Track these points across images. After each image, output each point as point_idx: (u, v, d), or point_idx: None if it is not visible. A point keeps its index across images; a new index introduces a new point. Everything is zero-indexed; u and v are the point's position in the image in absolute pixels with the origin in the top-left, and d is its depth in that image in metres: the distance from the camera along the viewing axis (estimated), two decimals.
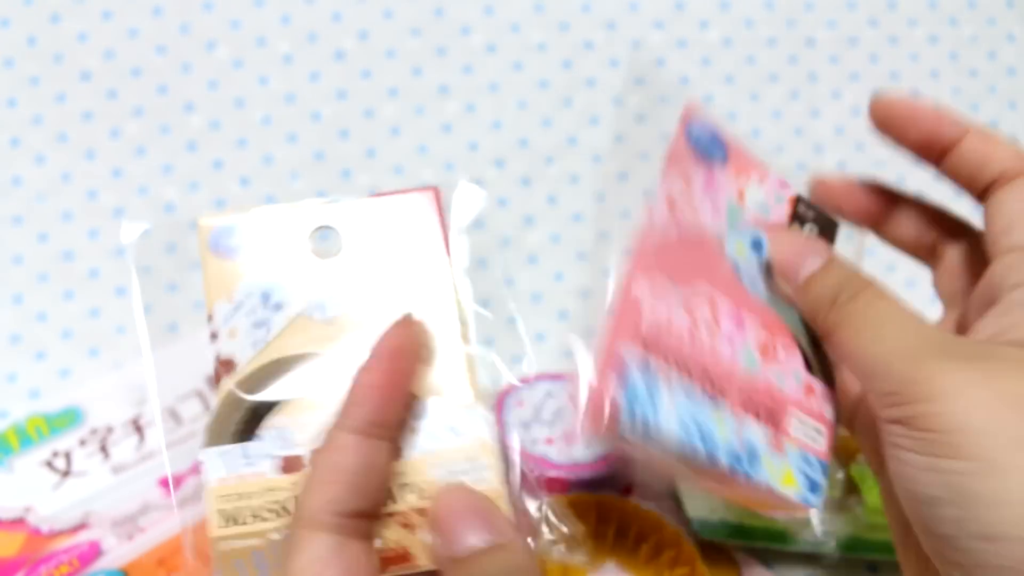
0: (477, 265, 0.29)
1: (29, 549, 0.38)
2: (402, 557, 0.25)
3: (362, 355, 0.25)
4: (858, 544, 0.38)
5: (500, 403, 0.41)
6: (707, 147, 0.30)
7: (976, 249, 0.30)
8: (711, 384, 0.25)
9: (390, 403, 0.25)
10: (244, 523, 0.25)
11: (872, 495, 0.38)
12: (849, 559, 0.40)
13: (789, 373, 0.27)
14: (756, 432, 0.25)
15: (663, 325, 0.25)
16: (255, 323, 0.28)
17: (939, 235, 0.32)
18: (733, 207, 0.29)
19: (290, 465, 0.25)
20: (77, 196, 0.48)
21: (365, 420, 0.24)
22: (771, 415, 0.26)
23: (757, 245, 0.29)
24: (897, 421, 0.23)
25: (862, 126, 0.54)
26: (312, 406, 0.26)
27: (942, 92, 0.54)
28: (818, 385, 0.28)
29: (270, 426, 0.26)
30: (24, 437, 0.41)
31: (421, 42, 0.52)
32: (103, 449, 0.41)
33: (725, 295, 0.27)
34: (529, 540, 0.26)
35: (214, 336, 0.27)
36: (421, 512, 0.25)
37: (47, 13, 0.49)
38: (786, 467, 0.26)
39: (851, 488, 0.39)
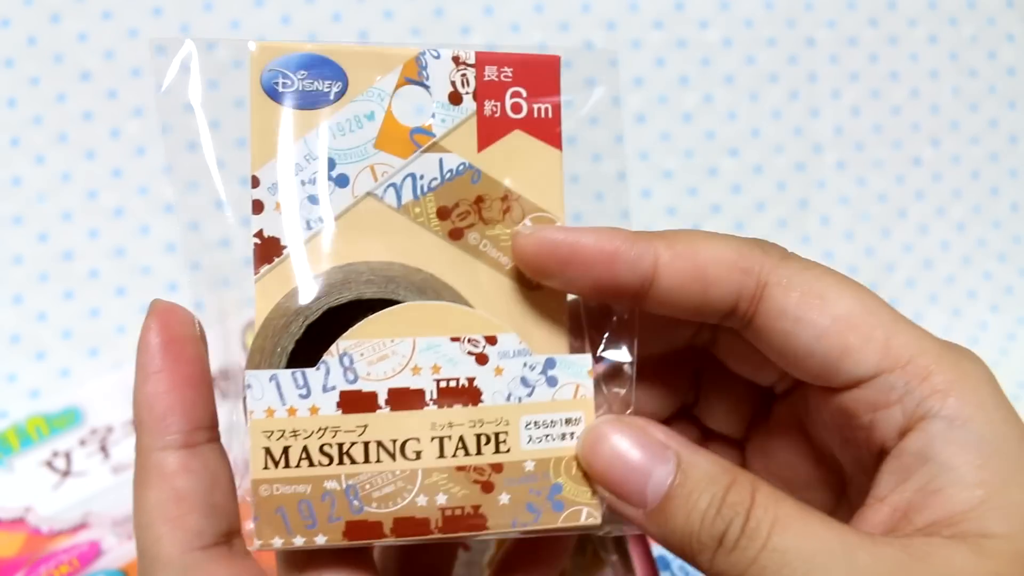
0: None
1: (29, 549, 0.38)
2: (471, 520, 0.21)
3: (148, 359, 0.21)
4: None
5: None
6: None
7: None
8: None
9: (197, 401, 0.21)
10: (293, 466, 0.21)
11: None
12: None
13: None
14: None
15: None
16: (312, 197, 0.22)
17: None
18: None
19: (353, 403, 0.21)
20: (77, 196, 0.48)
21: (181, 431, 0.20)
22: None
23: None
24: None
25: (862, 126, 0.54)
26: (387, 329, 0.22)
27: (942, 92, 0.54)
28: None
29: (331, 351, 0.21)
30: (24, 437, 0.41)
31: (421, 42, 0.52)
32: (103, 449, 0.41)
33: None
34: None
35: (258, 207, 0.23)
36: (497, 468, 0.22)
37: (47, 13, 0.49)
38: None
39: None
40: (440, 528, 0.21)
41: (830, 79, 0.54)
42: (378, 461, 0.21)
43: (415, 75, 0.23)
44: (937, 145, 0.54)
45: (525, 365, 0.22)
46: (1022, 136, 0.55)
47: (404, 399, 0.21)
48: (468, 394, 0.22)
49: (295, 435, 0.21)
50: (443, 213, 0.23)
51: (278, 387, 0.21)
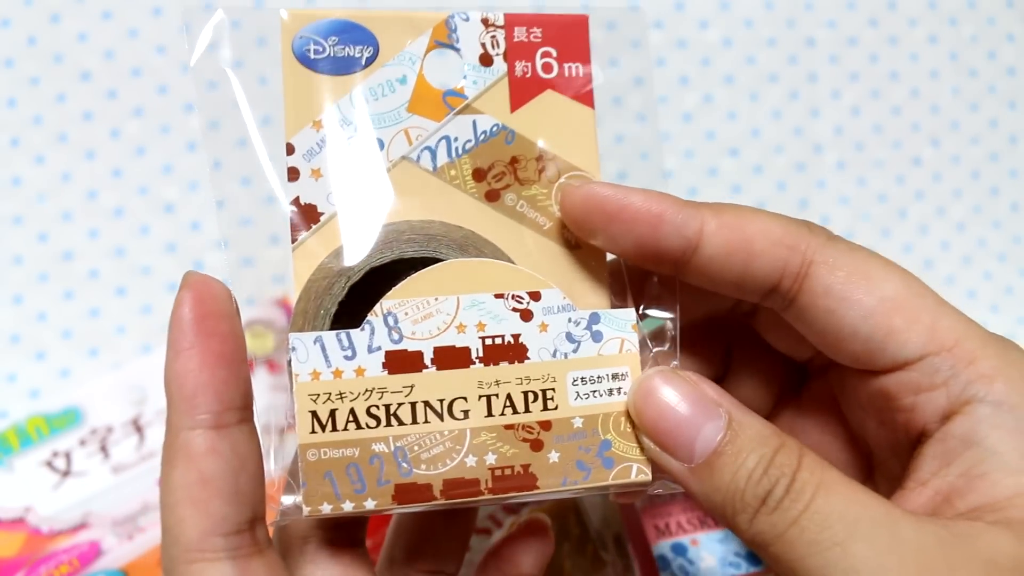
0: None
1: (29, 549, 0.38)
2: (522, 479, 0.21)
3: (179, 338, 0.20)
4: None
5: None
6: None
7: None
8: None
9: (229, 380, 0.20)
10: (340, 429, 0.20)
11: None
12: None
13: None
14: None
15: None
16: (348, 162, 0.22)
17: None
18: None
19: (399, 363, 0.21)
20: (77, 196, 0.48)
21: (211, 411, 0.20)
22: None
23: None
24: None
25: (862, 126, 0.54)
26: (430, 287, 0.21)
27: (942, 92, 0.54)
28: None
29: (375, 311, 0.21)
30: (24, 437, 0.41)
31: None
32: (103, 449, 0.41)
33: None
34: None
35: (294, 175, 0.22)
36: (546, 426, 0.21)
37: (47, 13, 0.49)
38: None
39: None
40: (490, 488, 0.21)
41: (830, 79, 0.54)
42: (426, 422, 0.21)
43: (445, 38, 0.23)
44: (937, 145, 0.54)
45: (570, 320, 0.22)
46: (1022, 136, 0.55)
47: (450, 358, 0.21)
48: (514, 351, 0.22)
49: (341, 397, 0.20)
50: (479, 175, 0.23)
51: (323, 349, 0.20)
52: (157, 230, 0.48)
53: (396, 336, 0.21)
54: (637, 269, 0.24)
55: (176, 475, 0.20)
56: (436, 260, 0.22)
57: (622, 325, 0.23)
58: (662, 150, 0.27)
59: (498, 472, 0.21)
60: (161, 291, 0.48)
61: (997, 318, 0.52)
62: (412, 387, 0.21)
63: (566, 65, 0.24)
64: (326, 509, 0.20)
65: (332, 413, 0.20)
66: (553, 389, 0.22)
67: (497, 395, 0.21)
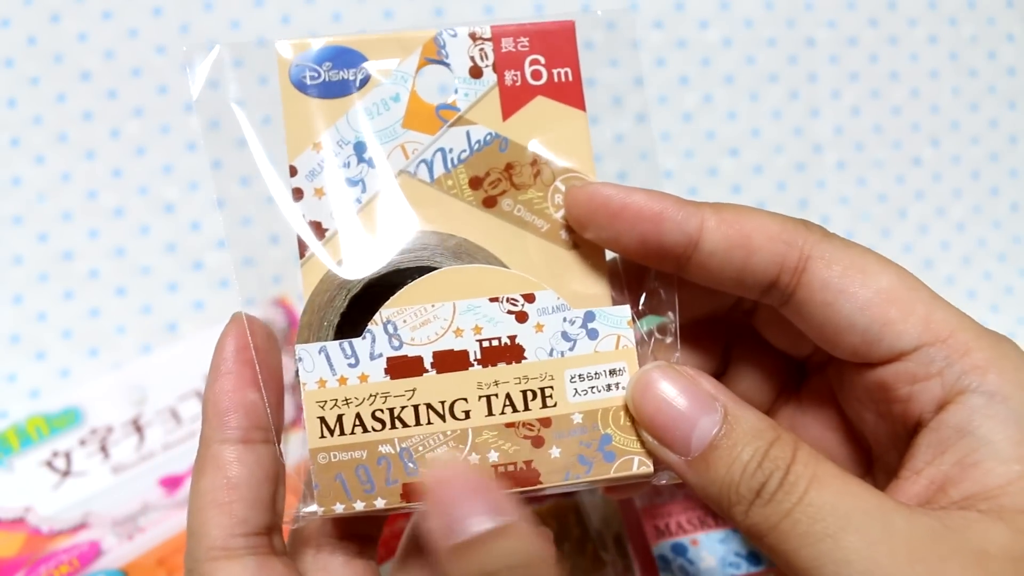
0: None
1: (29, 549, 0.38)
2: (525, 475, 0.22)
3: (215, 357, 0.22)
4: None
5: None
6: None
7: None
8: None
9: (259, 403, 0.22)
10: (348, 433, 0.21)
11: None
12: None
13: None
14: None
15: None
16: (348, 180, 0.23)
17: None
18: None
19: (400, 368, 0.22)
20: (77, 196, 0.48)
21: (240, 427, 0.21)
22: None
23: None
24: None
25: (862, 126, 0.54)
26: (426, 295, 0.22)
27: (942, 92, 0.54)
28: None
29: (375, 320, 0.22)
30: (24, 437, 0.41)
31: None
32: (103, 449, 0.41)
33: None
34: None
35: (298, 194, 0.23)
36: (546, 423, 0.22)
37: (47, 13, 0.49)
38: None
39: None
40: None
41: (830, 79, 0.54)
42: (429, 423, 0.22)
43: (434, 55, 0.24)
44: (937, 145, 0.54)
45: (565, 320, 0.23)
46: (1022, 136, 0.55)
47: (449, 361, 0.22)
48: (511, 352, 0.22)
49: (347, 403, 0.21)
50: (475, 183, 0.23)
51: (327, 358, 0.22)
52: (157, 230, 0.48)
53: (396, 343, 0.22)
54: (636, 268, 0.24)
55: (204, 482, 0.21)
56: (431, 269, 0.23)
57: (617, 322, 0.23)
58: (657, 150, 0.27)
59: (501, 469, 0.22)
60: (161, 291, 0.48)
61: (997, 318, 0.52)
62: (414, 391, 0.22)
63: (555, 71, 0.24)
64: (339, 508, 0.21)
65: (339, 418, 0.21)
66: (551, 387, 0.22)
67: (496, 395, 0.22)
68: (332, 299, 0.23)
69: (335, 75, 0.23)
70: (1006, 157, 0.55)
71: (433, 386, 0.22)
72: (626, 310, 0.23)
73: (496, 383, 0.22)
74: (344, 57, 0.23)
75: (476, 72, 0.24)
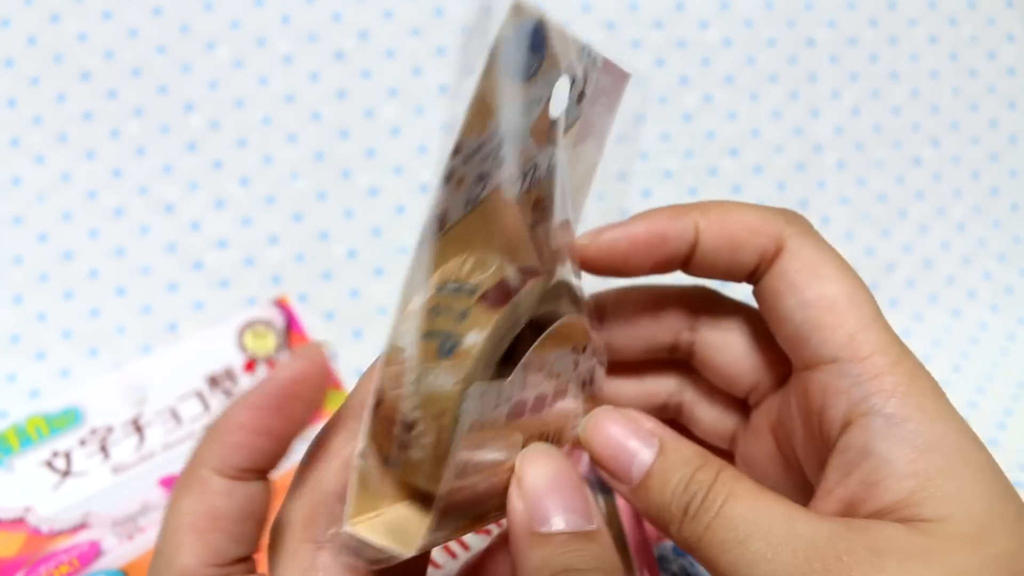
0: None
1: (29, 549, 0.38)
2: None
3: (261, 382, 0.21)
4: None
5: None
6: None
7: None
8: None
9: (268, 451, 0.21)
10: (471, 475, 0.21)
11: None
12: None
13: None
14: None
15: None
16: (479, 175, 0.21)
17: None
18: None
19: (514, 413, 0.21)
20: (77, 196, 0.48)
21: (238, 467, 0.21)
22: None
23: None
24: None
25: (862, 126, 0.54)
26: (550, 344, 0.22)
27: (942, 92, 0.54)
28: None
29: (519, 363, 0.21)
30: (24, 437, 0.41)
31: (421, 42, 0.52)
32: (103, 449, 0.41)
33: None
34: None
35: (448, 179, 0.20)
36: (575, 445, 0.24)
37: (47, 13, 0.49)
38: None
39: None
40: None
41: (830, 79, 0.54)
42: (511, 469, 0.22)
43: (571, 69, 0.22)
44: (937, 145, 0.54)
45: (588, 370, 0.24)
46: (1022, 136, 0.55)
47: (539, 405, 0.23)
48: (565, 392, 0.23)
49: (481, 444, 0.21)
50: (535, 205, 0.23)
51: (483, 401, 0.20)
52: (157, 230, 0.48)
53: (521, 387, 0.22)
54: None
55: (187, 502, 0.20)
56: (557, 314, 0.23)
57: (600, 375, 0.25)
58: (625, 188, 0.29)
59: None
60: (161, 291, 0.48)
61: (997, 318, 0.52)
62: (516, 431, 0.22)
63: (607, 116, 0.24)
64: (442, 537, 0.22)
65: (471, 463, 0.21)
66: (569, 426, 0.24)
67: (546, 436, 0.23)
68: (507, 332, 0.21)
69: (523, 57, 0.20)
70: (1006, 157, 0.55)
71: (523, 427, 0.22)
72: (602, 372, 0.25)
73: (547, 425, 0.23)
74: (537, 37, 0.20)
75: (580, 98, 0.23)
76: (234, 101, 0.50)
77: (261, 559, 0.22)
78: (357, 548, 0.21)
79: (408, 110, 0.51)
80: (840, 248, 0.26)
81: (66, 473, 0.41)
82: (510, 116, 0.21)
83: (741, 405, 0.29)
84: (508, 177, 0.22)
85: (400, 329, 0.21)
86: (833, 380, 0.23)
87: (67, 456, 0.41)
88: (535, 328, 0.22)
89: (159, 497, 0.40)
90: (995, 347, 0.51)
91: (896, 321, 0.24)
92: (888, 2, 0.55)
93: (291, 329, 0.46)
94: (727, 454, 0.29)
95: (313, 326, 0.47)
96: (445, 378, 0.20)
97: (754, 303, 0.27)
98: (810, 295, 0.24)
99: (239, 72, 0.50)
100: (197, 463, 0.21)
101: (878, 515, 0.22)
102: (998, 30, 0.55)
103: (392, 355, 0.21)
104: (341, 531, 0.21)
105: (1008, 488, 0.22)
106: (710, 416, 0.30)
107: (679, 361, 0.29)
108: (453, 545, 0.36)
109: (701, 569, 0.36)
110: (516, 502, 0.21)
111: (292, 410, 0.21)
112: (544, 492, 0.21)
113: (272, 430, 0.21)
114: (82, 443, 0.41)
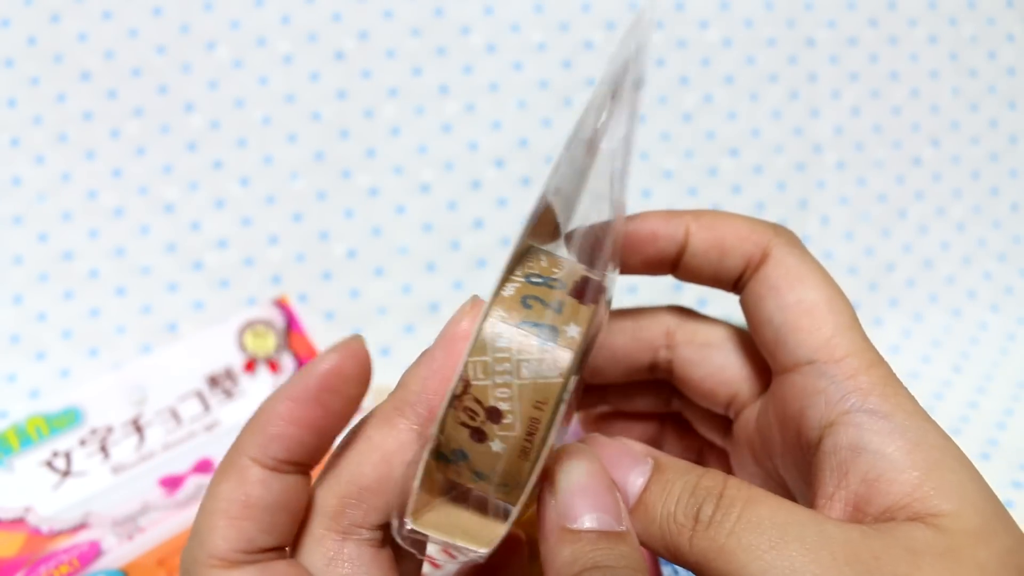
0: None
1: (29, 549, 0.38)
2: None
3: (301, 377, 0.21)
4: None
5: None
6: None
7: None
8: None
9: (308, 444, 0.21)
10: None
11: None
12: None
13: None
14: None
15: None
16: (575, 170, 0.22)
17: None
18: None
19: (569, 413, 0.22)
20: (77, 196, 0.48)
21: (277, 458, 0.21)
22: None
23: None
24: None
25: (862, 126, 0.54)
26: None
27: (942, 92, 0.54)
28: None
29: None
30: (24, 437, 0.41)
31: (421, 42, 0.52)
32: (103, 449, 0.41)
33: None
34: None
35: (557, 167, 0.21)
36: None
37: (47, 13, 0.49)
38: None
39: None
40: None
41: (830, 79, 0.54)
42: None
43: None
44: (937, 145, 0.54)
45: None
46: (1022, 136, 0.55)
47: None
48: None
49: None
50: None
51: (573, 393, 0.21)
52: (157, 230, 0.48)
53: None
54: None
55: (224, 488, 0.21)
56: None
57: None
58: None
59: None
60: (161, 291, 0.48)
61: (997, 318, 0.52)
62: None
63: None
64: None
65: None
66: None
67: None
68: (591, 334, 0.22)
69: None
70: (1006, 157, 0.55)
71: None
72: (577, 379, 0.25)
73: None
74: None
75: (614, 95, 0.24)
76: (234, 101, 0.50)
77: None
78: (420, 542, 0.21)
79: (408, 110, 0.51)
80: (840, 248, 0.26)
81: (66, 473, 0.41)
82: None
83: (726, 420, 0.29)
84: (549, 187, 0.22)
85: (492, 319, 0.21)
86: (810, 381, 0.23)
87: (67, 456, 0.41)
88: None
89: (159, 497, 0.40)
90: (995, 347, 0.51)
91: (896, 321, 0.25)
92: (888, 2, 0.55)
93: (291, 329, 0.46)
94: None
95: (313, 326, 0.47)
96: (549, 368, 0.20)
97: (732, 321, 0.28)
98: (790, 299, 0.24)
99: (239, 72, 0.50)
100: (238, 451, 0.21)
101: (889, 511, 0.21)
102: (998, 30, 0.55)
103: (480, 345, 0.20)
104: (406, 526, 0.21)
105: (987, 484, 0.22)
106: (701, 428, 0.30)
107: (664, 382, 0.29)
108: None
109: None
110: (549, 499, 0.21)
111: (331, 403, 0.21)
112: (577, 491, 0.21)
113: (311, 422, 0.21)
114: (82, 443, 0.41)
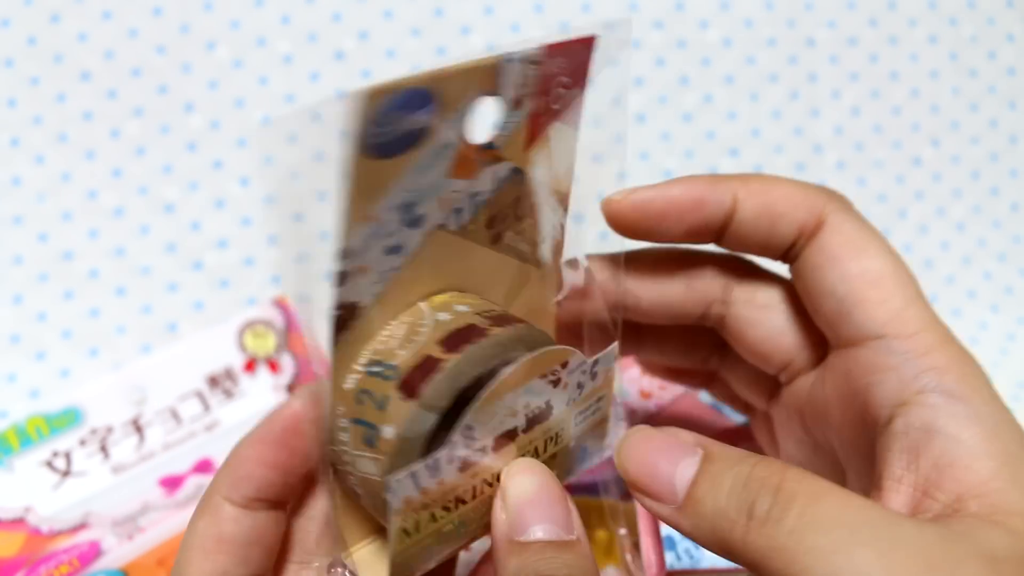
0: None
1: (29, 549, 0.38)
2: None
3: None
4: None
5: None
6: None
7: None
8: None
9: (277, 482, 0.22)
10: (423, 532, 0.21)
11: None
12: None
13: None
14: None
15: None
16: (389, 248, 0.20)
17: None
18: None
19: (469, 463, 0.21)
20: (77, 196, 0.48)
21: (247, 496, 0.22)
22: None
23: None
24: None
25: (862, 126, 0.54)
26: (499, 392, 0.21)
27: (942, 92, 0.54)
28: None
29: (457, 431, 0.21)
30: (24, 437, 0.41)
31: (421, 42, 0.52)
32: (103, 449, 0.41)
33: None
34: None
35: (343, 278, 0.20)
36: (553, 457, 0.23)
37: (47, 13, 0.49)
38: None
39: None
40: None
41: (830, 79, 0.54)
42: (481, 493, 0.22)
43: (492, 86, 0.20)
44: (937, 145, 0.54)
45: (583, 372, 0.23)
46: (1022, 136, 0.55)
47: (504, 441, 0.22)
48: (545, 414, 0.23)
49: (425, 507, 0.21)
50: (491, 223, 0.23)
51: (414, 479, 0.20)
52: (157, 230, 0.48)
53: (470, 443, 0.21)
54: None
55: (200, 525, 0.22)
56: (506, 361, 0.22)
57: (609, 358, 0.24)
58: (657, 149, 0.28)
59: None
60: (161, 291, 0.48)
61: (997, 318, 0.52)
62: (475, 474, 0.22)
63: (571, 92, 0.23)
64: None
65: (416, 522, 0.21)
66: (564, 428, 0.23)
67: (529, 451, 0.23)
68: (422, 424, 0.21)
69: (401, 127, 0.19)
70: (1006, 157, 0.55)
71: (489, 464, 0.22)
72: (615, 346, 0.24)
73: (531, 442, 0.23)
74: (413, 102, 0.19)
75: (517, 102, 0.21)
76: (234, 101, 0.50)
77: None
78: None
79: None
80: None
81: (66, 473, 0.41)
82: (396, 187, 0.20)
83: (772, 381, 0.27)
84: (442, 220, 0.21)
85: (337, 411, 0.22)
86: (880, 357, 0.22)
87: (67, 456, 0.41)
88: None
89: (159, 497, 0.40)
90: (995, 347, 0.51)
91: None
92: (888, 2, 0.55)
93: (291, 329, 0.46)
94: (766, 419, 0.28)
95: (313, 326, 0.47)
96: (371, 467, 0.21)
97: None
98: (853, 269, 0.22)
99: (239, 72, 0.50)
100: (213, 491, 0.22)
101: (961, 500, 0.20)
102: (998, 30, 0.55)
103: (332, 434, 0.22)
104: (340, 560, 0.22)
105: None
106: (741, 389, 0.28)
107: (709, 329, 0.28)
108: None
109: (705, 552, 0.36)
110: (499, 513, 0.22)
111: (296, 445, 0.22)
112: (526, 504, 0.21)
113: (278, 463, 0.22)
114: (82, 443, 0.41)
